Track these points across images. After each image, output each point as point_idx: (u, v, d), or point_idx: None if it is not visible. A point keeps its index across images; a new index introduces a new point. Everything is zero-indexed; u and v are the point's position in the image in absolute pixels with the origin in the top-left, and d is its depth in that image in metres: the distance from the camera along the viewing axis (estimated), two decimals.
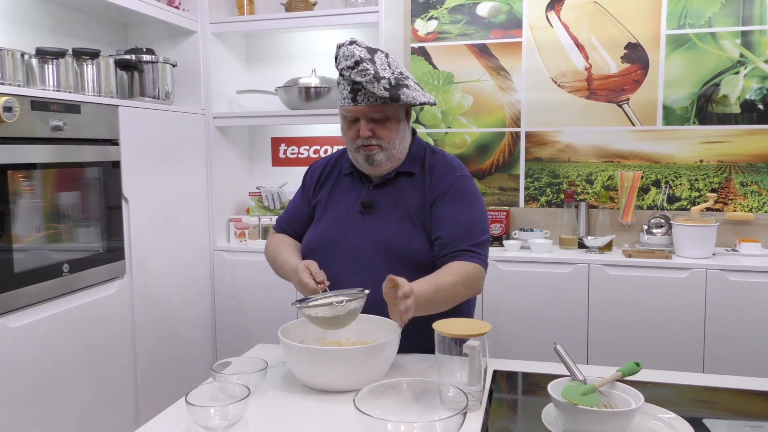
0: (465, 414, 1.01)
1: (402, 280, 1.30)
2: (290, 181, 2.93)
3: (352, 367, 1.27)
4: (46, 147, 1.81)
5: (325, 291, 1.42)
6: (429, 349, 1.37)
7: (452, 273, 1.43)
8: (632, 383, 1.13)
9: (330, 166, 1.68)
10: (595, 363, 2.35)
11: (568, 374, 1.17)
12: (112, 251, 2.10)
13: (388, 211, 1.55)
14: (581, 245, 2.58)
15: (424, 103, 1.50)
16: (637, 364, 1.18)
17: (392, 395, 1.12)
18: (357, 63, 1.43)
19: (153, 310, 2.33)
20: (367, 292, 1.37)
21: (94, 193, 2.03)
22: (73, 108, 1.90)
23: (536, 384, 1.35)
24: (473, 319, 1.29)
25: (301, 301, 1.37)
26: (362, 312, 1.41)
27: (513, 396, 1.32)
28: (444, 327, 1.22)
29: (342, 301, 1.33)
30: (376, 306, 1.43)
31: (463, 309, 1.57)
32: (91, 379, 1.97)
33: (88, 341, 1.96)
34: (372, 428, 0.99)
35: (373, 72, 1.43)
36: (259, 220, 2.80)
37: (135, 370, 2.21)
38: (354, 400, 1.03)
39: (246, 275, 2.72)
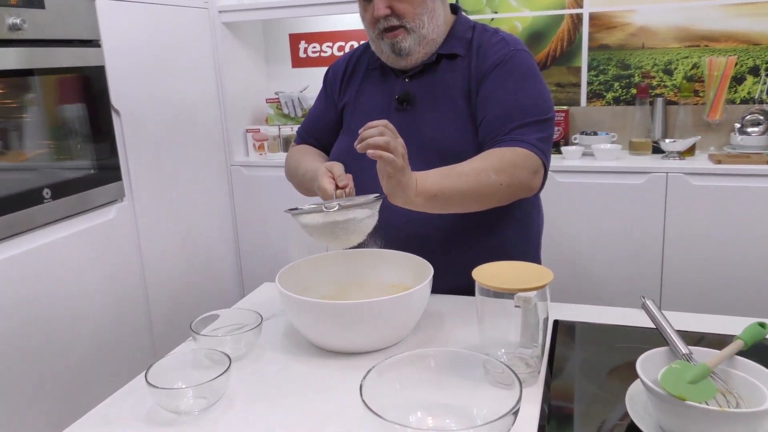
0: (516, 413, 0.70)
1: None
2: (312, 84, 2.57)
3: (371, 325, 0.98)
4: (3, 50, 1.49)
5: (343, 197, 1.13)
6: (466, 287, 1.07)
7: (478, 159, 1.10)
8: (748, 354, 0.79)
9: (354, 60, 1.36)
10: (672, 300, 2.01)
11: (657, 331, 0.85)
12: (106, 171, 1.83)
13: (430, 103, 1.23)
14: (657, 150, 2.16)
15: None
16: (762, 326, 0.84)
17: (418, 367, 0.83)
18: None
19: (163, 236, 2.09)
20: (376, 196, 1.06)
21: (74, 106, 1.73)
22: (34, 2, 1.57)
23: (614, 338, 1.03)
24: (526, 262, 0.96)
25: (296, 209, 1.07)
26: (391, 240, 1.14)
27: (583, 362, 0.99)
28: (487, 275, 0.90)
29: (334, 206, 1.01)
30: (405, 228, 1.14)
31: (527, 230, 1.28)
32: (92, 320, 1.76)
33: (85, 274, 1.73)
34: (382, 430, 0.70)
35: None
36: (279, 129, 2.48)
37: (148, 305, 2.00)
38: (360, 387, 0.74)
39: (269, 192, 2.44)
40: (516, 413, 0.70)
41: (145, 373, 0.85)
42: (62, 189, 1.67)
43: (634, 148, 2.20)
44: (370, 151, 0.94)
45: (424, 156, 1.18)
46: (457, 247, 1.22)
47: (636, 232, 2.04)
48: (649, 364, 0.78)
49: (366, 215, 1.06)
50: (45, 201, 1.61)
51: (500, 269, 0.93)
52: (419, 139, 1.20)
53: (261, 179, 2.44)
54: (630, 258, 2.05)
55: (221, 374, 0.86)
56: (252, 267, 2.53)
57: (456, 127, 1.19)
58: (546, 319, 0.91)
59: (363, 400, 0.71)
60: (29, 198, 1.57)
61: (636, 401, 0.79)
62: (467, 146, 1.18)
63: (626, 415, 0.77)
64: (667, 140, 2.10)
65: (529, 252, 1.31)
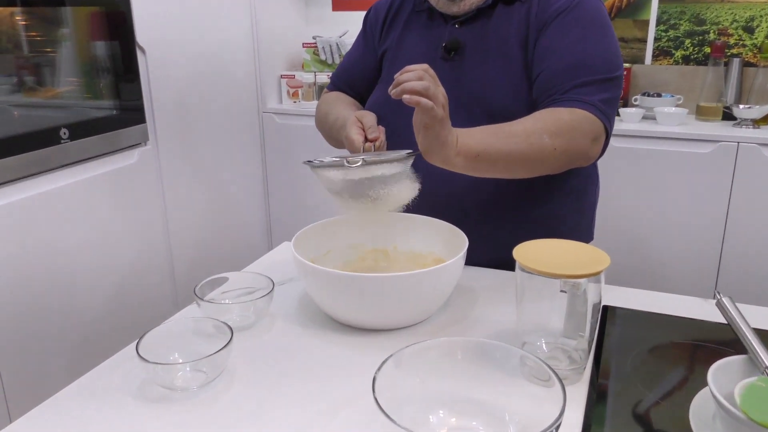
0: (558, 427, 0.58)
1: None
2: (351, 29, 2.41)
3: (394, 301, 0.86)
4: None
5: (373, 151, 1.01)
6: (505, 262, 0.96)
7: (531, 118, 0.95)
8: None
9: (399, 1, 1.20)
10: (730, 284, 1.84)
11: (728, 327, 0.71)
12: (129, 112, 1.73)
13: (481, 54, 1.08)
14: (728, 116, 1.95)
15: None
16: None
17: (442, 358, 0.71)
18: None
19: (188, 184, 2.00)
20: (409, 153, 0.93)
21: (96, 42, 1.63)
22: None
23: (675, 331, 0.89)
24: (576, 241, 0.82)
25: (315, 161, 0.96)
26: (423, 204, 1.00)
27: (636, 359, 0.86)
28: (530, 255, 0.77)
29: (357, 161, 0.89)
30: (440, 190, 1.01)
31: (581, 201, 1.14)
32: (111, 268, 1.70)
33: (104, 220, 1.66)
34: None
35: None
36: (315, 76, 2.34)
37: (171, 256, 1.93)
38: (374, 381, 0.63)
39: (302, 142, 2.33)
40: (558, 428, 0.58)
41: (137, 343, 0.76)
42: (81, 129, 1.58)
43: (701, 113, 1.99)
44: (405, 97, 0.81)
45: (470, 113, 1.04)
46: (500, 217, 1.08)
47: (697, 206, 1.85)
48: (723, 375, 0.64)
49: (394, 172, 0.93)
50: (62, 141, 1.53)
51: (546, 248, 0.80)
52: (466, 94, 1.05)
53: (294, 128, 2.32)
54: (689, 235, 1.88)
55: (221, 349, 0.76)
56: (281, 221, 2.44)
57: (508, 82, 1.04)
58: (597, 307, 0.78)
59: (375, 399, 0.60)
60: (45, 137, 1.49)
61: (701, 417, 0.66)
62: (519, 104, 1.03)
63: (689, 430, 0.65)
64: (741, 106, 1.88)
65: (582, 226, 1.16)
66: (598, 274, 0.73)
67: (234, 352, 0.82)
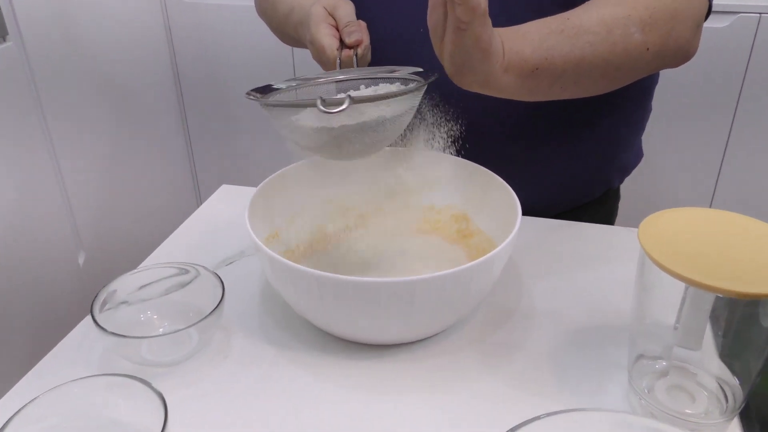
0: None
1: None
2: None
3: (416, 310, 0.54)
4: None
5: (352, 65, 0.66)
6: (537, 203, 0.72)
7: (608, 2, 0.60)
8: None
9: None
10: (731, 185, 1.63)
11: None
12: None
13: None
14: None
15: None
16: None
17: None
18: None
19: (73, 90, 1.53)
20: (422, 75, 0.60)
21: None
22: None
23: None
24: (721, 211, 0.52)
25: (267, 90, 0.59)
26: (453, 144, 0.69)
27: None
28: (664, 245, 0.47)
29: (342, 102, 0.51)
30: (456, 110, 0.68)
31: (642, 112, 0.83)
32: None
33: None
34: None
35: None
36: None
37: (64, 188, 1.50)
38: None
39: (220, 30, 1.84)
40: None
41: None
42: None
43: None
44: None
45: (508, 4, 0.67)
46: (535, 144, 0.77)
47: (704, 91, 1.58)
48: None
49: (398, 112, 0.59)
50: None
51: (687, 224, 0.50)
52: None
53: (207, 12, 1.83)
54: (692, 123, 1.63)
55: None
56: (204, 140, 2.01)
57: None
58: None
59: None
60: None
61: None
62: None
63: None
64: None
65: (635, 148, 0.87)
66: None
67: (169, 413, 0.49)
